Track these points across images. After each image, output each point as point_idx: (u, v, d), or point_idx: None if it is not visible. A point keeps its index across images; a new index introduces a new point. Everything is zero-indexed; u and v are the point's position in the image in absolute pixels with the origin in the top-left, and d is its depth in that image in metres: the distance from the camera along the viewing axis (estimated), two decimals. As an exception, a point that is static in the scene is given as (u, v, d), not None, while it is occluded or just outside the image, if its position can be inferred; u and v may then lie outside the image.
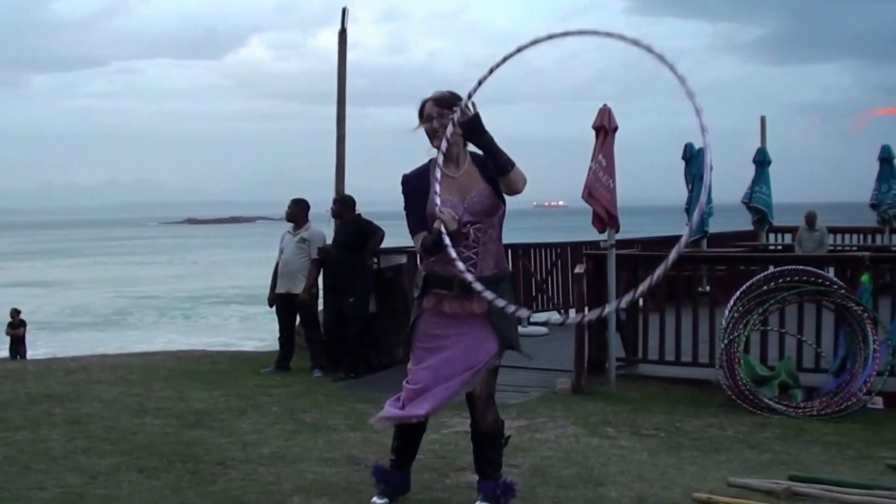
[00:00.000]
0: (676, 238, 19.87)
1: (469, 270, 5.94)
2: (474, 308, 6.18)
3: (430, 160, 6.22)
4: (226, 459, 7.99)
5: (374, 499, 6.48)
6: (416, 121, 6.33)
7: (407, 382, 6.34)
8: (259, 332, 26.83)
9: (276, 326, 13.91)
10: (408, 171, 6.41)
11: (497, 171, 6.08)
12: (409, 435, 6.56)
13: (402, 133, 6.47)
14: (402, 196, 6.35)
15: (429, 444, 8.14)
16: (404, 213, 6.32)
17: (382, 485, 6.53)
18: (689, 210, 19.05)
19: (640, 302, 12.59)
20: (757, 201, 21.55)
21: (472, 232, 6.14)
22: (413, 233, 6.33)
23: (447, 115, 6.09)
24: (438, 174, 6.01)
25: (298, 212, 13.67)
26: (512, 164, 6.05)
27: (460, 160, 6.27)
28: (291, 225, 13.70)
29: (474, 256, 6.16)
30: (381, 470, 6.58)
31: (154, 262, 72.34)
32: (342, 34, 14.26)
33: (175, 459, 7.95)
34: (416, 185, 6.30)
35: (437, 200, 5.96)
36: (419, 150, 6.31)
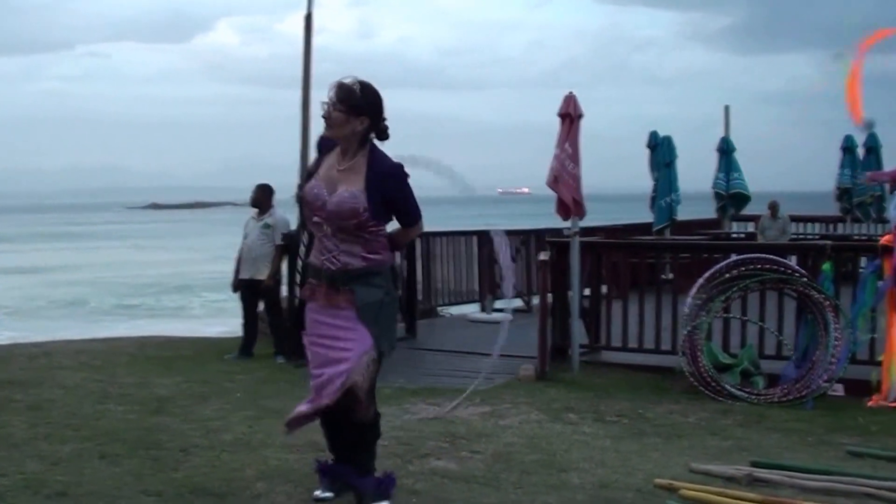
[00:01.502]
0: (640, 225, 19.87)
1: (330, 262, 6.01)
2: (339, 301, 6.08)
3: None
4: (188, 446, 7.96)
5: (317, 492, 6.44)
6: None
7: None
8: (222, 319, 26.70)
9: (239, 312, 13.88)
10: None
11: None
12: (330, 428, 6.50)
13: None
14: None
15: (392, 432, 8.15)
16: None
17: (325, 479, 6.46)
18: (654, 199, 19.14)
19: (604, 289, 12.67)
20: (736, 187, 21.69)
21: (326, 226, 6.05)
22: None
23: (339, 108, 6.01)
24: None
25: (263, 197, 13.61)
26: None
27: (351, 156, 6.08)
28: (255, 210, 13.65)
29: (335, 248, 6.04)
30: (323, 464, 6.52)
31: (118, 248, 71.89)
32: (308, 18, 14.20)
33: (137, 446, 7.91)
34: (309, 169, 6.35)
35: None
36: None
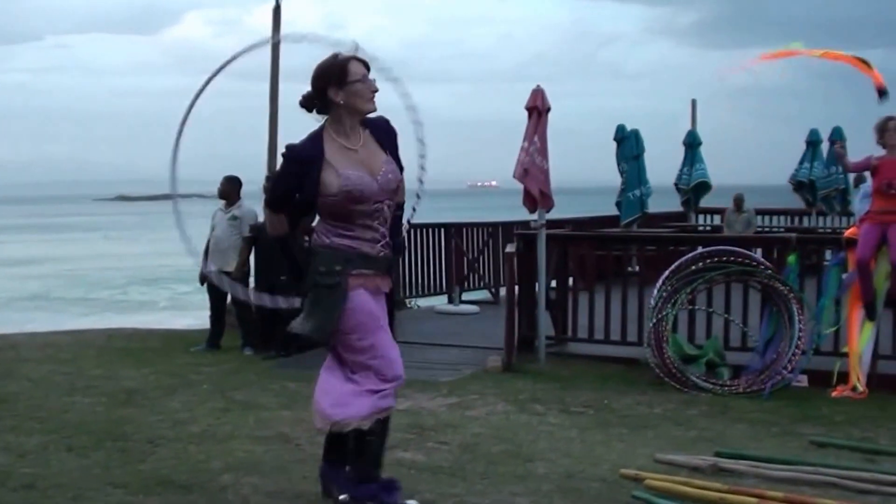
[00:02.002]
0: (607, 218, 19.91)
1: (385, 248, 5.95)
2: (384, 287, 6.03)
3: (321, 127, 5.95)
4: (155, 438, 7.97)
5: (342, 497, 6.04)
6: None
7: (380, 368, 5.90)
8: (190, 311, 26.63)
9: (207, 304, 13.87)
10: (295, 142, 6.03)
11: None
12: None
13: None
14: (282, 164, 6.18)
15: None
16: (276, 178, 6.24)
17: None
18: (623, 192, 19.18)
19: (570, 281, 12.72)
20: (698, 177, 21.78)
21: (385, 209, 5.92)
22: (274, 206, 6.16)
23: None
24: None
25: (230, 189, 13.59)
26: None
27: (354, 131, 5.95)
28: (223, 202, 13.63)
29: (386, 234, 5.97)
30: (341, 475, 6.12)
31: (86, 240, 71.51)
32: (276, 10, 14.22)
33: (104, 438, 7.92)
34: (308, 156, 5.88)
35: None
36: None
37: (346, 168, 5.78)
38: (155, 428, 8.35)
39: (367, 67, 5.89)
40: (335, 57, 5.86)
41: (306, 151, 5.89)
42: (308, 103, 5.95)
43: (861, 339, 10.54)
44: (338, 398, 5.86)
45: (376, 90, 5.91)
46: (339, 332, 5.86)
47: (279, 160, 14.05)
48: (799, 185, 22.37)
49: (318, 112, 5.96)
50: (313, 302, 5.92)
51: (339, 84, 5.81)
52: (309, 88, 5.94)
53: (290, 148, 6.03)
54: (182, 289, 34.84)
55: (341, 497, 5.93)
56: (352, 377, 5.90)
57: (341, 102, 5.83)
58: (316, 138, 5.90)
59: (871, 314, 10.52)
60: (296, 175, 5.90)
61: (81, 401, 9.54)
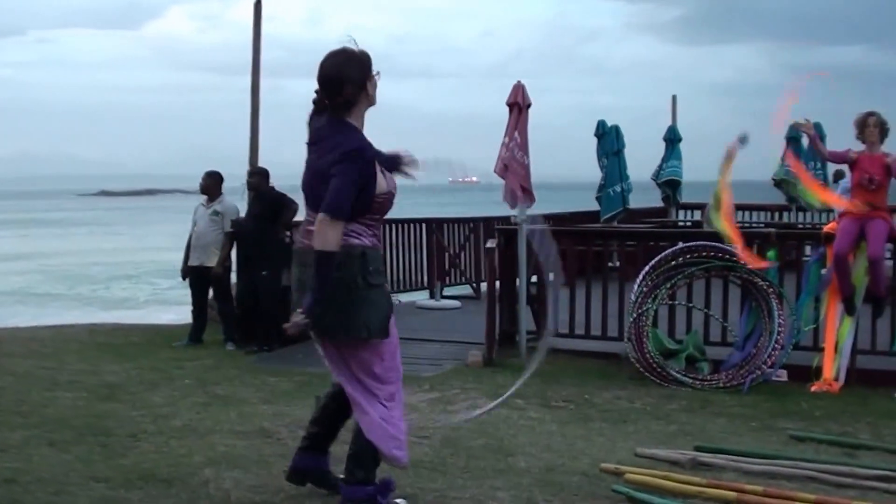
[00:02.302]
0: (587, 213, 19.86)
1: None
2: None
3: (351, 125, 5.71)
4: (137, 432, 7.99)
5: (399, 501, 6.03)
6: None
7: (387, 404, 5.88)
8: (172, 306, 26.59)
9: (189, 299, 13.88)
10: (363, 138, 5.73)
11: None
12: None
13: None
14: (355, 165, 5.57)
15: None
16: (346, 185, 5.52)
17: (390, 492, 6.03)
18: (603, 187, 19.22)
19: (551, 276, 12.74)
20: (669, 174, 21.81)
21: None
22: (346, 216, 5.54)
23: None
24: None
25: (212, 184, 13.60)
26: None
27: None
28: (205, 197, 13.65)
29: None
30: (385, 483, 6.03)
31: (68, 235, 71.30)
32: (257, 5, 14.21)
33: (86, 432, 7.93)
34: (372, 155, 5.69)
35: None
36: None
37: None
38: (137, 422, 8.36)
39: None
40: (355, 50, 5.72)
41: (372, 150, 5.70)
42: (339, 103, 5.70)
43: (841, 333, 10.60)
44: (393, 436, 5.82)
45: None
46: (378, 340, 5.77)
47: (261, 156, 14.09)
48: (779, 182, 22.45)
49: (335, 110, 5.72)
50: (365, 302, 5.66)
51: (369, 77, 5.72)
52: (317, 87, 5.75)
53: (364, 149, 5.65)
54: (164, 284, 34.78)
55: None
56: (384, 409, 5.83)
57: (370, 94, 5.74)
58: (362, 135, 5.74)
59: (850, 309, 10.59)
60: (367, 177, 5.59)
61: (63, 395, 9.55)
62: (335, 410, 6.09)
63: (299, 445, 6.21)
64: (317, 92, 5.76)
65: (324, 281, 5.49)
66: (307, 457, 6.16)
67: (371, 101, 5.76)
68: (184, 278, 13.68)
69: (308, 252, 5.62)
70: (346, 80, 5.63)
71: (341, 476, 6.00)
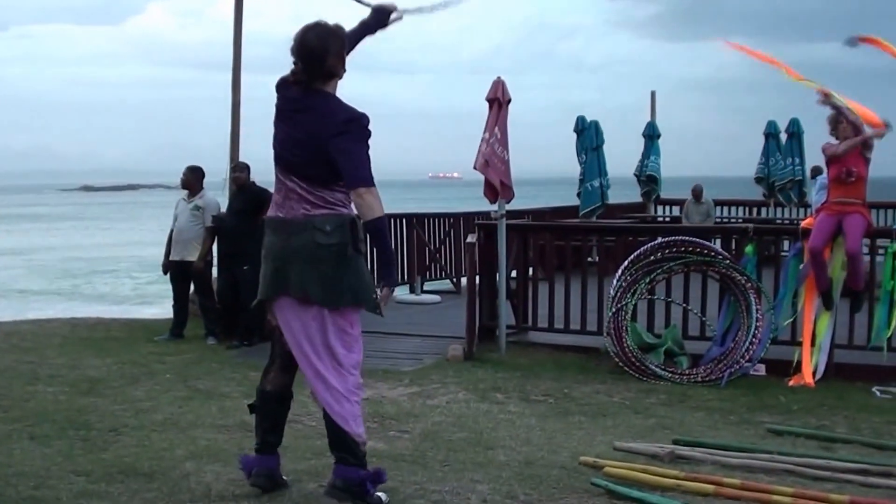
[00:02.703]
0: (566, 208, 19.94)
1: None
2: None
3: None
4: (118, 426, 8.01)
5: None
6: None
7: (353, 372, 5.90)
8: (154, 300, 26.56)
9: (170, 294, 13.89)
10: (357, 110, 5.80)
11: None
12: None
13: None
14: (363, 131, 5.75)
15: (321, 413, 8.25)
16: (363, 152, 5.73)
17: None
18: (582, 182, 19.28)
19: (530, 271, 12.80)
20: (649, 170, 21.91)
21: None
22: (372, 179, 5.75)
23: None
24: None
25: (193, 179, 13.60)
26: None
27: None
28: (186, 192, 13.65)
29: None
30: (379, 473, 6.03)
31: (50, 230, 71.11)
32: (238, 1, 14.20)
33: (67, 426, 7.94)
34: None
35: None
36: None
37: None
38: (118, 416, 8.37)
39: None
40: (330, 24, 5.80)
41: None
42: (322, 74, 5.77)
43: (819, 328, 10.67)
44: (356, 413, 5.87)
45: None
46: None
47: (242, 152, 14.09)
48: (760, 179, 22.60)
49: (315, 81, 5.77)
50: (354, 269, 5.79)
51: (346, 49, 5.86)
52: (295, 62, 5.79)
53: (364, 115, 5.78)
54: (145, 278, 34.74)
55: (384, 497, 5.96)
56: (353, 378, 5.88)
57: (340, 76, 5.85)
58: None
59: (827, 304, 10.66)
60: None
61: (45, 390, 9.55)
62: (280, 408, 6.16)
63: (256, 450, 6.17)
64: (295, 64, 5.79)
65: (386, 245, 5.85)
66: (265, 458, 6.16)
67: (339, 78, 5.86)
68: (165, 273, 13.68)
69: (292, 222, 5.75)
70: (328, 51, 5.72)
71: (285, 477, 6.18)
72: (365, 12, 6.36)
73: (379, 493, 5.91)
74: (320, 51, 5.71)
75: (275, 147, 5.90)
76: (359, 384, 5.90)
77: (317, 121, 5.70)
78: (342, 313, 5.80)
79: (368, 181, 5.66)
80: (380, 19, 6.19)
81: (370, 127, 5.76)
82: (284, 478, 6.22)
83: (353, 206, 5.76)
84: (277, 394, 6.10)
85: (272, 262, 5.90)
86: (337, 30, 5.80)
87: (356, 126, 5.69)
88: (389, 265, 5.85)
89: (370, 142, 5.76)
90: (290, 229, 5.75)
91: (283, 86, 5.90)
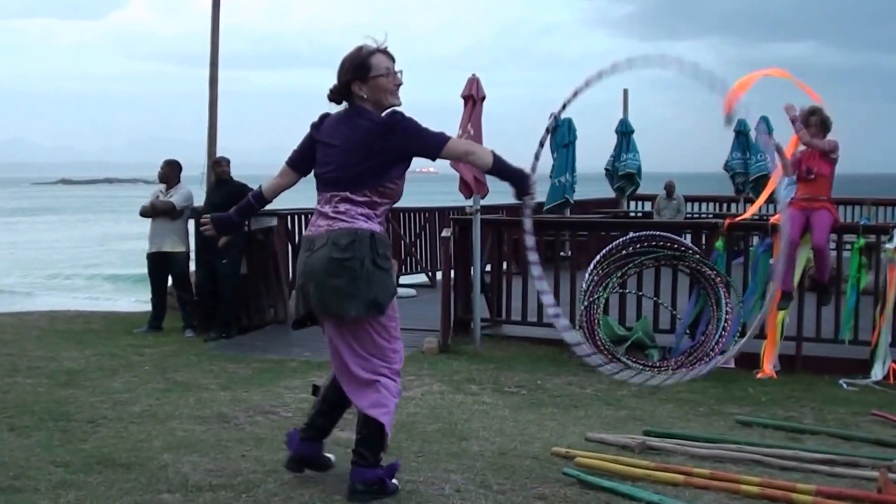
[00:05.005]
0: (541, 204, 19.96)
1: None
2: None
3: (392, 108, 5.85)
4: (97, 418, 8.06)
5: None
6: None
7: (395, 361, 6.11)
8: (132, 293, 26.55)
9: (149, 287, 13.94)
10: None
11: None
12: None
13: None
14: (406, 119, 5.80)
15: (296, 404, 8.36)
16: (421, 128, 5.83)
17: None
18: (553, 177, 19.38)
19: (504, 265, 12.89)
20: (630, 167, 21.99)
21: None
22: (443, 137, 5.92)
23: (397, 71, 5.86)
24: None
25: (171, 173, 13.67)
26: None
27: None
28: (163, 185, 13.72)
29: None
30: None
31: (29, 224, 70.77)
32: (215, -4, 14.26)
33: (46, 418, 7.98)
34: None
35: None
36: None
37: None
38: (96, 408, 8.42)
39: (393, 59, 5.85)
40: (360, 50, 5.78)
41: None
42: (335, 97, 5.85)
43: (778, 322, 10.82)
44: (390, 405, 5.95)
45: (401, 83, 5.87)
46: (387, 317, 5.96)
47: (219, 145, 14.15)
48: (735, 175, 22.76)
49: (347, 102, 5.86)
50: (371, 281, 5.76)
51: (362, 79, 5.75)
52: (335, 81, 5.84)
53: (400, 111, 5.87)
54: (125, 271, 34.66)
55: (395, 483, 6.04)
56: (393, 384, 6.00)
57: (365, 97, 5.77)
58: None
59: (784, 303, 10.80)
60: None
61: (23, 381, 9.60)
62: (337, 400, 6.18)
63: (300, 435, 6.25)
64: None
65: (511, 172, 5.94)
66: (308, 446, 6.24)
67: (371, 102, 5.80)
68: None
69: (316, 238, 5.77)
70: (337, 79, 5.82)
71: (329, 455, 6.23)
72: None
73: (393, 480, 5.99)
74: (338, 73, 5.84)
75: (314, 169, 5.97)
76: (398, 391, 6.04)
77: (346, 135, 5.79)
78: (371, 325, 5.87)
79: (445, 139, 5.87)
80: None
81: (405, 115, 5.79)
82: (329, 455, 6.30)
83: (373, 223, 5.80)
84: (334, 382, 6.15)
85: (298, 278, 5.96)
86: (347, 57, 5.81)
87: (396, 119, 5.77)
88: (522, 180, 5.94)
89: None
90: (312, 245, 5.80)
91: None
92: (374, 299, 5.76)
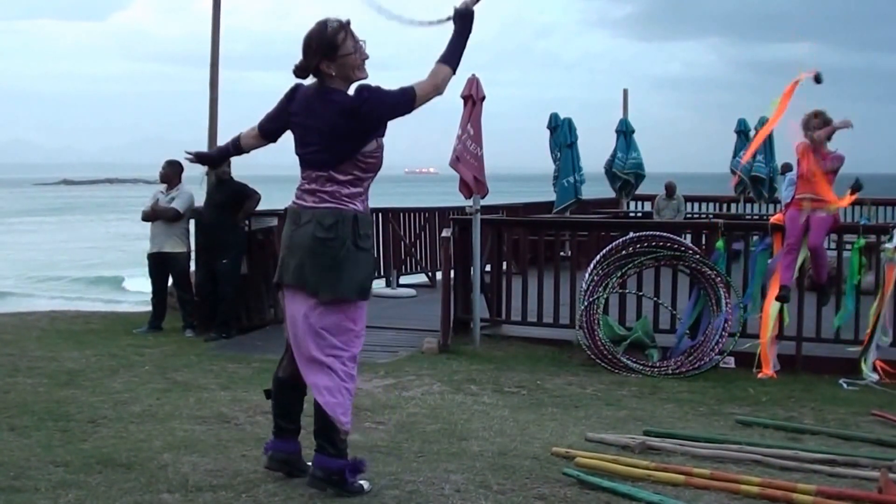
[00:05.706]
0: (540, 204, 20.01)
1: None
2: None
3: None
4: (97, 417, 8.04)
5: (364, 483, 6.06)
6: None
7: (354, 346, 6.01)
8: (132, 293, 26.57)
9: (149, 287, 13.95)
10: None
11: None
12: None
13: (279, 98, 6.07)
14: (375, 88, 5.81)
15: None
16: (387, 91, 5.81)
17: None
18: (557, 178, 19.42)
19: (504, 265, 12.89)
20: (631, 167, 22.00)
21: None
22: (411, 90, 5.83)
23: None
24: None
25: (172, 173, 13.68)
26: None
27: None
28: (164, 186, 13.74)
29: None
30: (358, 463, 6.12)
31: (29, 224, 70.85)
32: (216, -2, 14.24)
33: (46, 418, 7.96)
34: None
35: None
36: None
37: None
38: (96, 408, 8.40)
39: (355, 35, 5.84)
40: (325, 27, 5.78)
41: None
42: (302, 74, 5.87)
43: (773, 314, 10.82)
44: (346, 404, 5.95)
45: (367, 57, 5.89)
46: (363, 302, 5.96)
47: (218, 141, 14.15)
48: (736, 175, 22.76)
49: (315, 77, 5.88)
50: (353, 262, 5.80)
51: (330, 58, 5.77)
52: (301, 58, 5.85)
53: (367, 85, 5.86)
54: (125, 271, 34.67)
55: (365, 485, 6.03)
56: (345, 369, 5.94)
57: (333, 74, 5.80)
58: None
59: (782, 299, 10.80)
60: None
61: (24, 381, 9.58)
62: (293, 395, 6.22)
63: (274, 434, 6.28)
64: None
65: (458, 51, 5.91)
66: (283, 442, 6.24)
67: (340, 78, 5.83)
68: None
69: (302, 213, 5.81)
70: (303, 56, 5.83)
71: (309, 463, 6.14)
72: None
73: (361, 482, 5.96)
74: (305, 50, 5.83)
75: (295, 149, 5.99)
76: (351, 376, 5.97)
77: (317, 113, 5.82)
78: (341, 307, 5.85)
79: (409, 94, 5.79)
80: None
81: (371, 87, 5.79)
82: (309, 464, 6.16)
83: (358, 202, 5.83)
84: (289, 381, 6.15)
85: (282, 249, 5.98)
86: (311, 35, 5.82)
87: (363, 91, 5.78)
88: (467, 21, 5.93)
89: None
90: (297, 220, 5.85)
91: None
92: (362, 284, 5.85)
